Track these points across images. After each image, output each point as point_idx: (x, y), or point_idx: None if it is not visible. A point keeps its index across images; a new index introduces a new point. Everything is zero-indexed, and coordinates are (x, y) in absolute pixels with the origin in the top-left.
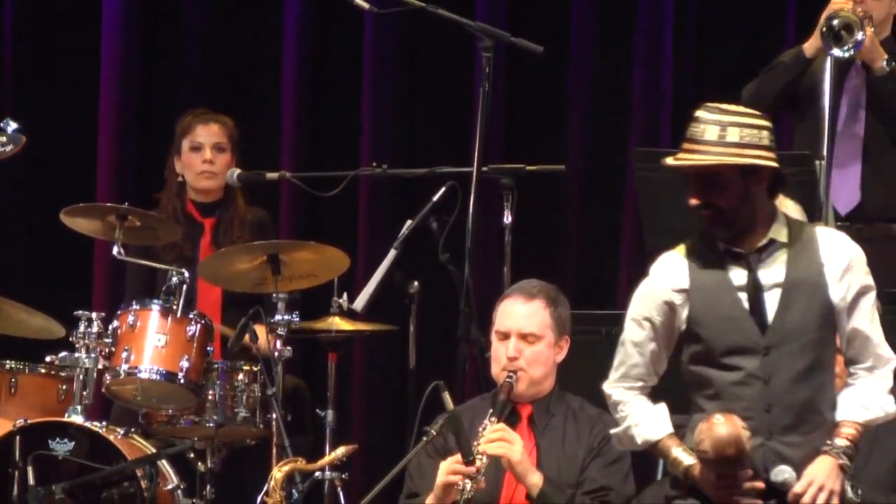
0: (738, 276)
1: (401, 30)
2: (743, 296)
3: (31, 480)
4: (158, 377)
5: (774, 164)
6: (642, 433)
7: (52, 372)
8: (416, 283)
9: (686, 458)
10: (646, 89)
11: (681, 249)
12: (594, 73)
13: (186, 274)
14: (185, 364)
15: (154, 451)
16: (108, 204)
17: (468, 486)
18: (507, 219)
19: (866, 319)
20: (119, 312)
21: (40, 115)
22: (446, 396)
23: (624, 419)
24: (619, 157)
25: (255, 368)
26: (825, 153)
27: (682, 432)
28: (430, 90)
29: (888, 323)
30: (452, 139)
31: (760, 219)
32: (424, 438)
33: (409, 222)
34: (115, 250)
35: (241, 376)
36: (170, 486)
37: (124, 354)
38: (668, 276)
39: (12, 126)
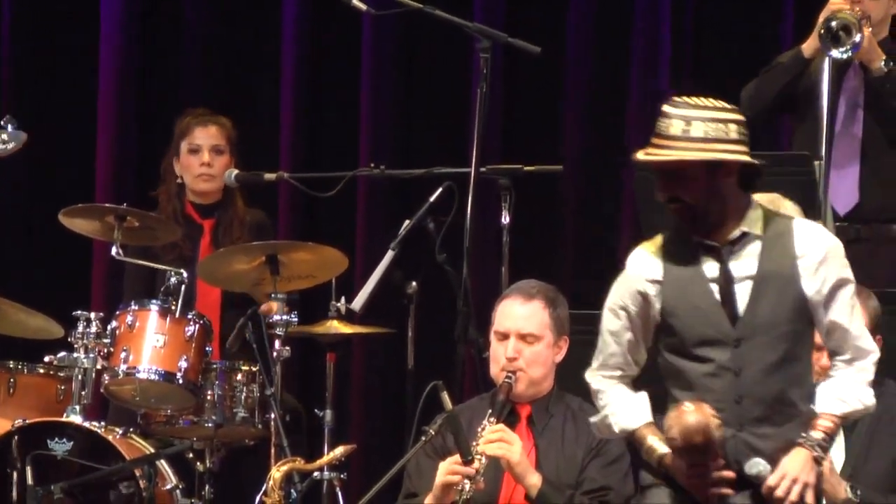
0: (710, 268)
1: (398, 31)
2: (714, 288)
3: (29, 480)
4: (157, 377)
5: (741, 158)
6: (619, 422)
7: (51, 372)
8: (413, 283)
9: (660, 446)
10: (643, 90)
11: (656, 240)
12: (592, 74)
13: (185, 274)
14: (183, 364)
15: (153, 451)
16: (107, 204)
17: (467, 487)
18: (505, 219)
19: (844, 312)
20: (118, 313)
21: (40, 116)
22: (445, 396)
23: (603, 408)
24: (617, 157)
25: (253, 369)
26: (823, 154)
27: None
28: (428, 91)
29: (888, 323)
30: (450, 140)
31: (732, 212)
32: (423, 438)
33: (406, 223)
34: (113, 251)
35: (239, 376)
36: (168, 486)
37: (123, 354)
38: (643, 267)
39: (13, 124)
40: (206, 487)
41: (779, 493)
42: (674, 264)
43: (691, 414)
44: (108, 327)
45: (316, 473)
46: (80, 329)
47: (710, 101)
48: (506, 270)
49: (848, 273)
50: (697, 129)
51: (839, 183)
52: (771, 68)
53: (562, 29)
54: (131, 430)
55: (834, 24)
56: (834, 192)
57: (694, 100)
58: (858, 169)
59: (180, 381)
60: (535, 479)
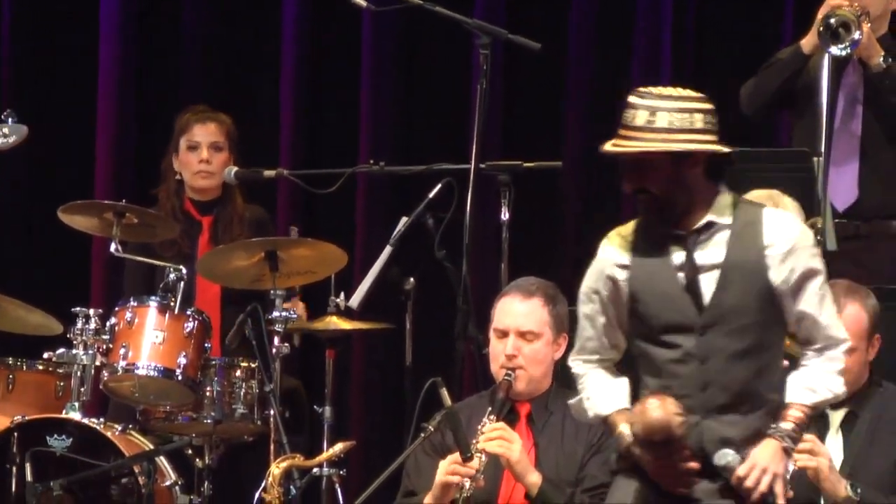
0: (677, 256)
1: (398, 28)
2: (680, 275)
3: (28, 477)
4: (156, 374)
5: (705, 148)
6: (593, 406)
7: (50, 368)
8: (412, 279)
9: (630, 434)
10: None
11: (629, 226)
12: (593, 73)
13: (184, 271)
14: (182, 360)
15: (152, 447)
16: (106, 201)
17: (467, 485)
18: (505, 215)
19: (813, 302)
20: (117, 309)
21: (39, 115)
22: (444, 393)
23: (581, 391)
24: None
25: (252, 365)
26: (823, 150)
27: None
28: (428, 88)
29: (888, 319)
30: (450, 136)
31: (699, 201)
32: (422, 435)
33: (404, 219)
34: (112, 247)
35: (238, 373)
36: (167, 483)
37: (122, 351)
38: (612, 252)
39: (14, 118)
40: (206, 484)
41: (748, 482)
42: (642, 250)
43: (654, 411)
44: (108, 324)
45: (315, 470)
46: (80, 325)
47: (677, 91)
48: (505, 267)
49: (816, 263)
50: (662, 119)
51: (838, 179)
52: (770, 65)
53: (563, 28)
54: (130, 426)
55: (833, 20)
56: (833, 188)
57: (660, 90)
58: (857, 165)
59: (179, 378)
60: (534, 478)
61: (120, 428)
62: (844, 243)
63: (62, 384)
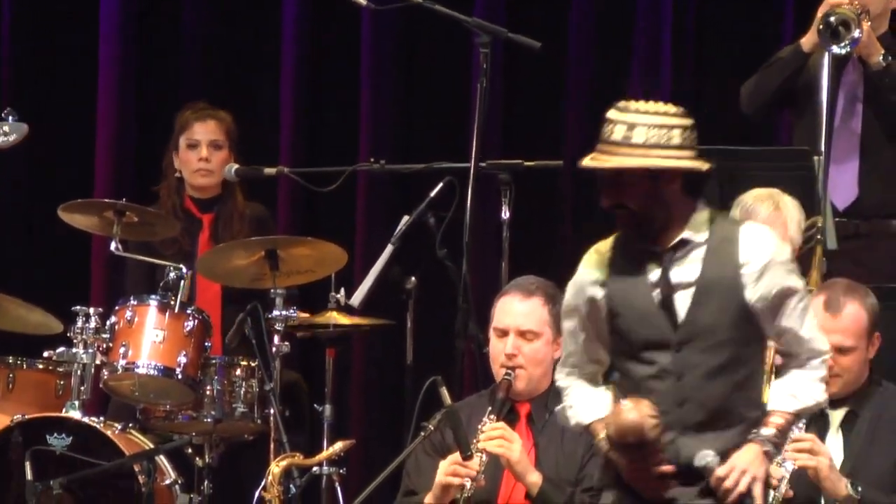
0: (653, 273)
1: (398, 27)
2: (656, 293)
3: (28, 475)
4: (156, 372)
5: (680, 164)
6: (575, 415)
7: (50, 367)
8: (413, 278)
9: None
10: (645, 89)
11: (607, 242)
12: (593, 73)
13: (184, 269)
14: (182, 359)
15: (152, 446)
16: (106, 200)
17: (468, 485)
18: (505, 214)
19: (794, 317)
20: (117, 308)
21: (39, 115)
22: (444, 391)
23: (564, 401)
24: None
25: (252, 364)
26: (823, 149)
27: None
28: (428, 87)
29: (887, 318)
30: (450, 135)
31: (676, 218)
32: (422, 434)
33: (405, 218)
34: (112, 246)
35: (238, 371)
36: (167, 482)
37: (122, 350)
38: (591, 269)
39: (14, 116)
40: (206, 482)
41: (727, 483)
42: (620, 267)
43: (628, 412)
44: (108, 322)
45: (315, 468)
46: (80, 324)
47: (655, 107)
48: (505, 266)
49: (793, 280)
50: (639, 134)
51: (838, 178)
52: (770, 64)
53: (563, 28)
54: (130, 425)
55: (833, 19)
56: (833, 186)
57: (638, 105)
58: (858, 164)
59: (179, 377)
60: (535, 478)
61: (120, 427)
62: (844, 242)
63: (62, 383)
